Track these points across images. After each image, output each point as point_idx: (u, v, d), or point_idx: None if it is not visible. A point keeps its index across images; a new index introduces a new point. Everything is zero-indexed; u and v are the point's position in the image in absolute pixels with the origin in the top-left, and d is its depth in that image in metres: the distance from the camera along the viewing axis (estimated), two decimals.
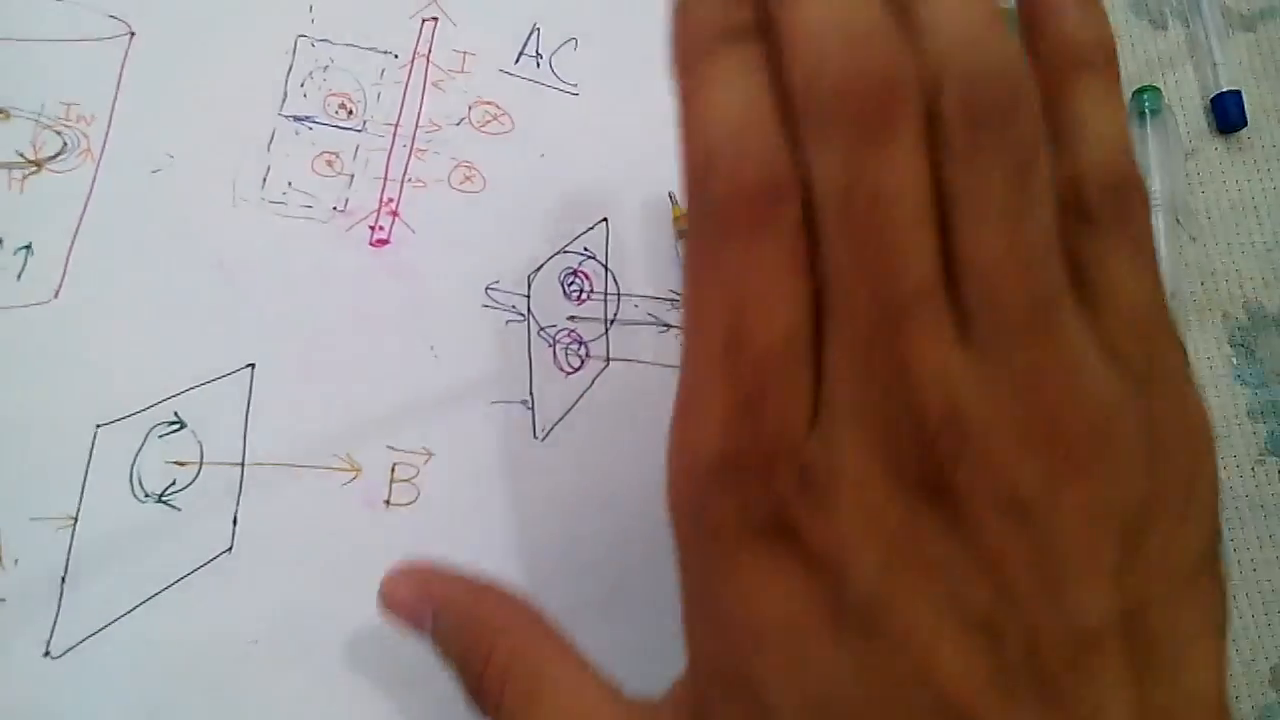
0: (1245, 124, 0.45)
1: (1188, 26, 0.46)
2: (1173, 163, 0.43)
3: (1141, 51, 0.46)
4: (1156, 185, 0.43)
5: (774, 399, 0.18)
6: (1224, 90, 0.45)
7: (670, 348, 0.39)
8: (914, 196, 0.17)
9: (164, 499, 0.35)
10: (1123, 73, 0.45)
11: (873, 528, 0.18)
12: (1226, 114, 0.45)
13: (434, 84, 0.41)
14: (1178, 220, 0.43)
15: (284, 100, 0.40)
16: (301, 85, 0.40)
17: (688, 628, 0.21)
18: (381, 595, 0.29)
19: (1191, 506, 0.20)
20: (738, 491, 0.19)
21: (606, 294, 0.39)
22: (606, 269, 0.39)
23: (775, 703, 0.19)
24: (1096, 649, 0.18)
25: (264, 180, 0.39)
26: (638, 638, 0.32)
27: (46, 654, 0.33)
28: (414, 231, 0.39)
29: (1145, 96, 0.44)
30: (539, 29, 0.42)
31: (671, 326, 0.39)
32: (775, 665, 0.19)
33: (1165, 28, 0.46)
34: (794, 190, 0.18)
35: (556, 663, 0.25)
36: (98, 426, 0.35)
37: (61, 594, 0.34)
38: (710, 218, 0.18)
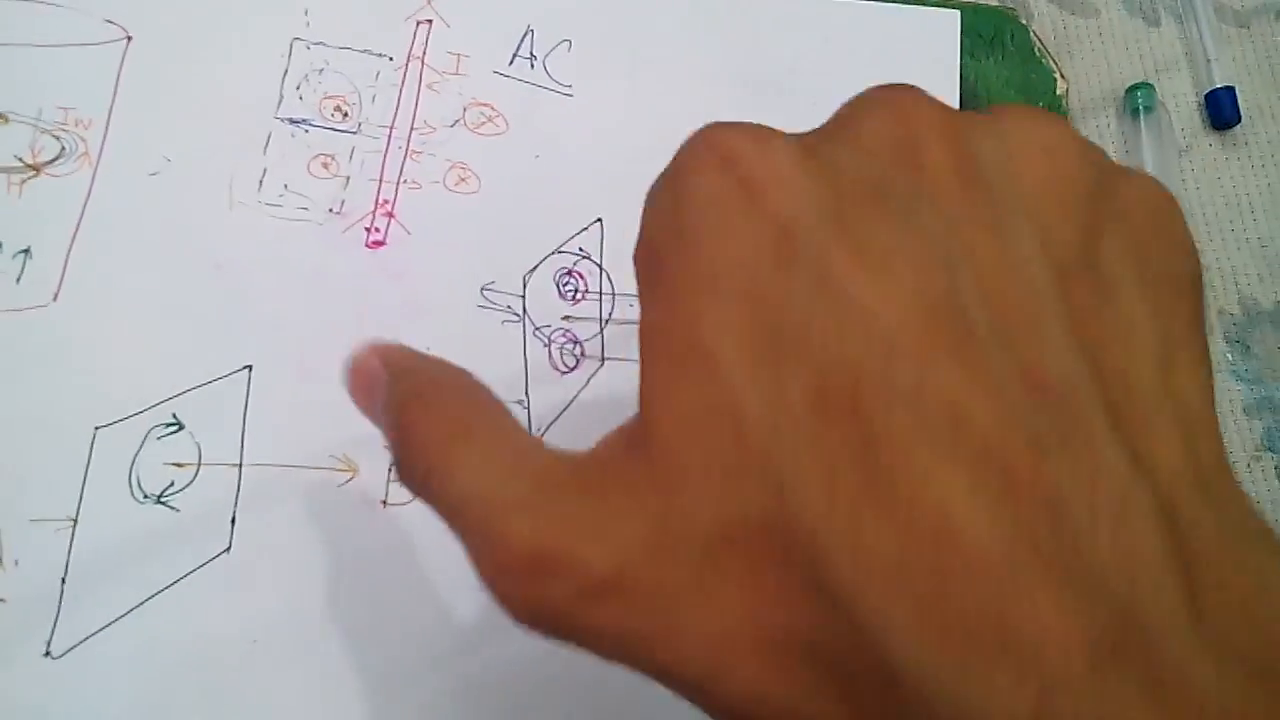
0: (1239, 120, 0.45)
1: (1181, 23, 0.46)
2: (1167, 160, 0.44)
3: (1135, 49, 0.46)
4: None
5: None
6: (1218, 87, 0.45)
7: None
8: None
9: (163, 500, 0.35)
10: (1116, 70, 0.45)
11: (820, 171, 0.18)
12: (1221, 111, 0.45)
13: (428, 86, 0.41)
14: None
15: (280, 103, 0.40)
16: (297, 88, 0.40)
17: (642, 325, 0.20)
18: (349, 367, 0.27)
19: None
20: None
21: (601, 294, 0.39)
22: (601, 269, 0.40)
23: (723, 351, 0.18)
24: (1043, 298, 0.18)
25: (260, 183, 0.39)
26: None
27: (47, 654, 0.33)
28: (410, 233, 0.39)
29: (1139, 93, 0.44)
30: (532, 30, 0.42)
31: None
32: (726, 301, 0.18)
33: (1158, 24, 0.47)
34: None
35: (488, 409, 0.23)
36: (96, 428, 0.36)
37: (62, 595, 0.34)
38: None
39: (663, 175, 0.20)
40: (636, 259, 0.20)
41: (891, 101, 0.20)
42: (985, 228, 0.18)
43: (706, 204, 0.19)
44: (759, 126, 0.19)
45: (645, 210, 0.20)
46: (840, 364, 0.16)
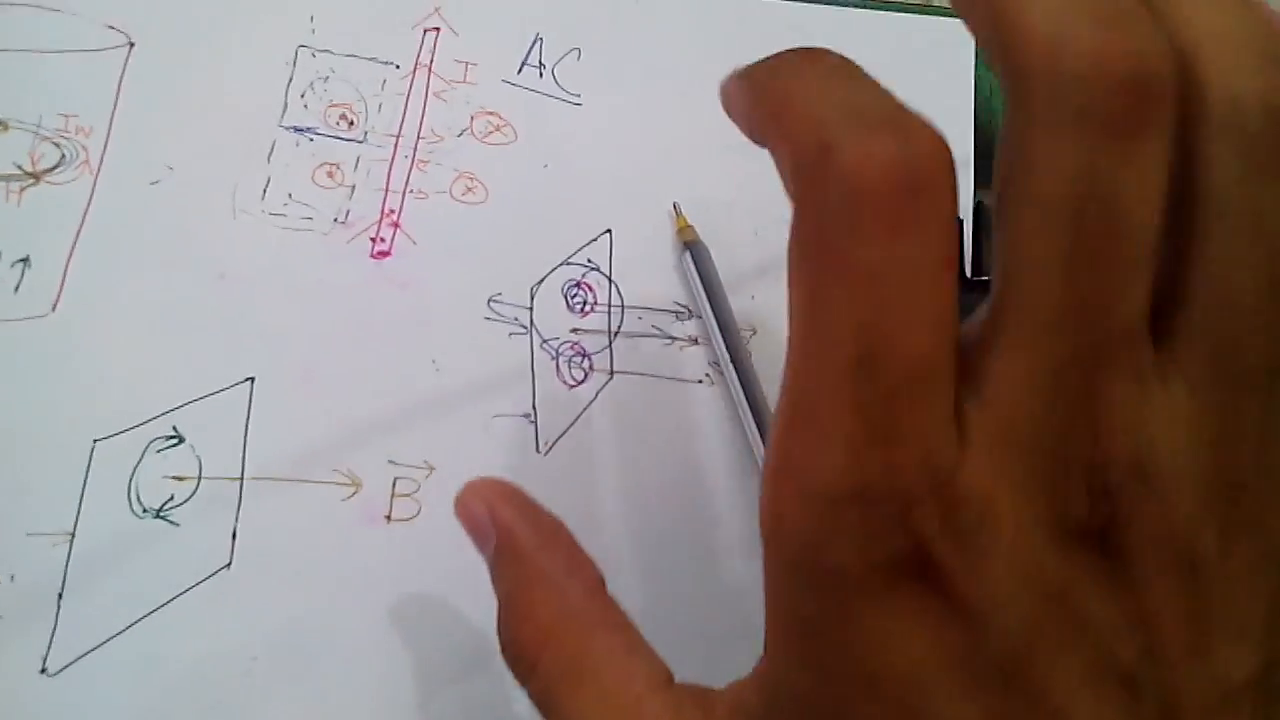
0: None
1: None
2: None
3: None
4: None
5: (916, 424, 0.16)
6: None
7: (675, 360, 0.38)
8: (1152, 214, 0.15)
9: (162, 514, 0.35)
10: None
11: (1027, 578, 0.16)
12: None
13: (435, 94, 0.41)
14: None
15: (284, 111, 0.40)
16: (302, 96, 0.40)
17: (776, 654, 0.19)
18: (456, 502, 0.26)
19: None
20: (867, 528, 0.16)
21: (610, 306, 0.39)
22: (610, 281, 0.39)
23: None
24: (1234, 707, 0.17)
25: (264, 192, 0.38)
26: None
27: (43, 671, 0.33)
28: (416, 243, 0.39)
29: None
30: (541, 39, 0.42)
31: (676, 339, 0.39)
32: (889, 716, 0.17)
33: None
34: (945, 177, 0.16)
35: (605, 640, 0.23)
36: (95, 441, 0.35)
37: (58, 610, 0.33)
38: (841, 209, 0.15)
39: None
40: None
41: None
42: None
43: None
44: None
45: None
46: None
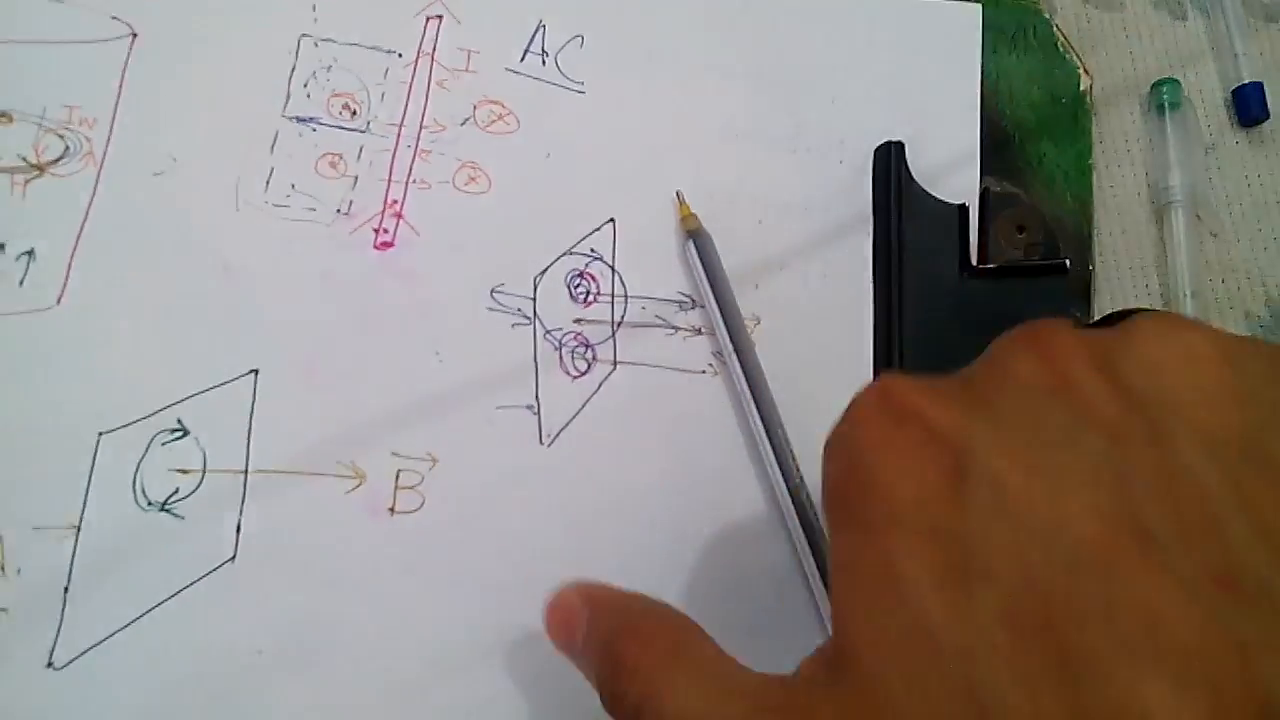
0: (1267, 117, 0.44)
1: (1208, 17, 0.45)
2: (1193, 157, 0.43)
3: (1161, 43, 0.45)
4: (1176, 180, 0.42)
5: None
6: (1245, 83, 0.44)
7: (678, 350, 0.38)
8: None
9: (167, 507, 0.35)
10: (1142, 65, 0.44)
11: (983, 411, 0.20)
12: (1248, 107, 0.44)
13: (438, 83, 0.40)
14: (1198, 216, 0.42)
15: (287, 101, 0.39)
16: (305, 86, 0.40)
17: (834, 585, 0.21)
18: (549, 605, 0.29)
19: None
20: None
21: (614, 296, 0.39)
22: (614, 271, 0.39)
23: (914, 579, 0.19)
24: (1216, 498, 0.18)
25: (267, 183, 0.38)
26: None
27: (49, 665, 0.33)
28: (419, 234, 0.38)
29: (1165, 89, 0.43)
30: (544, 26, 0.41)
31: (680, 329, 0.38)
32: (912, 534, 0.19)
33: (1185, 19, 0.45)
34: None
35: (697, 634, 0.25)
36: (100, 434, 0.35)
37: (64, 604, 0.33)
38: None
39: (840, 426, 0.22)
40: (825, 504, 0.22)
41: (1036, 341, 0.21)
42: (1145, 441, 0.19)
43: (885, 450, 0.20)
44: (922, 378, 0.21)
45: (827, 458, 0.22)
46: (1027, 583, 0.17)
